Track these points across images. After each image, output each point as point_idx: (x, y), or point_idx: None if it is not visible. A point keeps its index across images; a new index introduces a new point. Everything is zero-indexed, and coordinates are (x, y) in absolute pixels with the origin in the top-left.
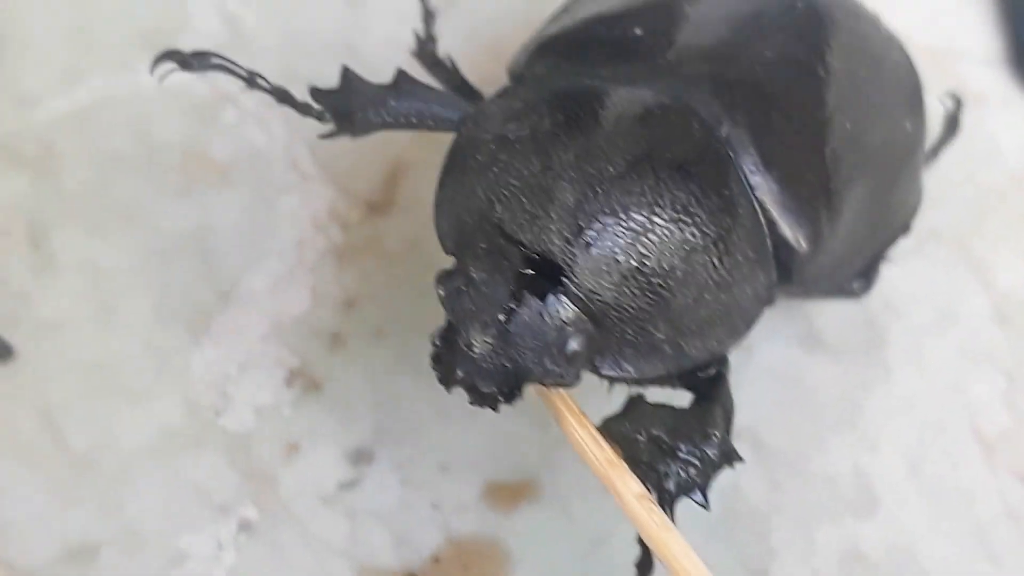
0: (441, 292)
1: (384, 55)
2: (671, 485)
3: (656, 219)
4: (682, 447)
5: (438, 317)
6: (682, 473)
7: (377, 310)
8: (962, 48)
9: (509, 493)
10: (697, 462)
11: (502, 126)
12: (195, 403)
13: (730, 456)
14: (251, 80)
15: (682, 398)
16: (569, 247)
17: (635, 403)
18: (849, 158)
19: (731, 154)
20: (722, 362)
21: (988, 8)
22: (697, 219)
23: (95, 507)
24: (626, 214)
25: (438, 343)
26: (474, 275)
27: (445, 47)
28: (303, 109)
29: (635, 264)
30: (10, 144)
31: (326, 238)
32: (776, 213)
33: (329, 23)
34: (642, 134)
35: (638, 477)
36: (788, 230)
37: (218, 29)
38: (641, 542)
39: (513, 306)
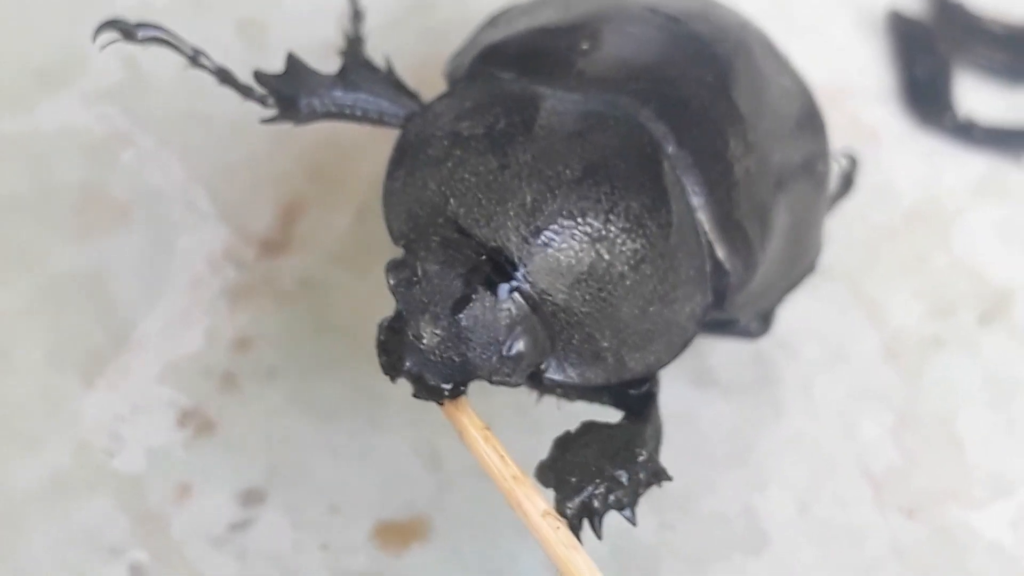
0: (391, 281)
1: None
2: (597, 504)
3: (610, 227)
4: (608, 467)
5: (333, 358)
6: (609, 494)
7: (270, 350)
8: (855, 85)
9: (399, 533)
10: (624, 481)
11: (454, 124)
12: (87, 446)
13: (659, 474)
14: (194, 58)
15: (613, 416)
16: (525, 244)
17: (562, 440)
18: (777, 189)
19: (677, 173)
20: (654, 381)
21: (881, 45)
22: (648, 232)
23: None
24: (583, 218)
25: (385, 333)
26: (426, 267)
27: None
28: (245, 91)
29: (587, 269)
30: None
31: (221, 278)
32: (713, 236)
33: (226, 60)
34: (597, 144)
35: (564, 496)
36: (723, 254)
37: (116, 68)
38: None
39: (465, 300)
